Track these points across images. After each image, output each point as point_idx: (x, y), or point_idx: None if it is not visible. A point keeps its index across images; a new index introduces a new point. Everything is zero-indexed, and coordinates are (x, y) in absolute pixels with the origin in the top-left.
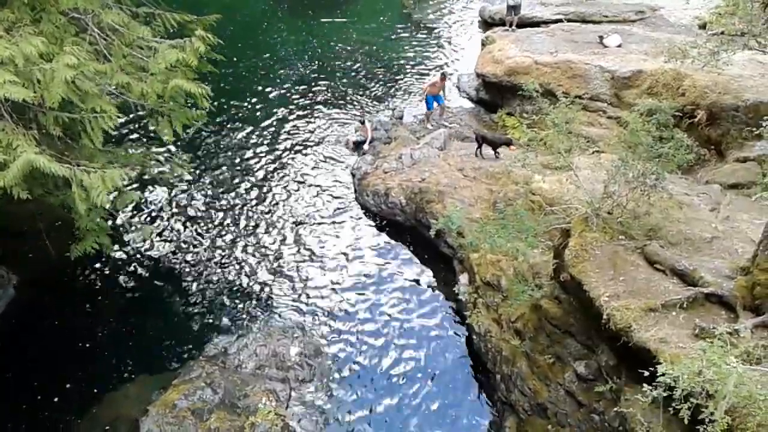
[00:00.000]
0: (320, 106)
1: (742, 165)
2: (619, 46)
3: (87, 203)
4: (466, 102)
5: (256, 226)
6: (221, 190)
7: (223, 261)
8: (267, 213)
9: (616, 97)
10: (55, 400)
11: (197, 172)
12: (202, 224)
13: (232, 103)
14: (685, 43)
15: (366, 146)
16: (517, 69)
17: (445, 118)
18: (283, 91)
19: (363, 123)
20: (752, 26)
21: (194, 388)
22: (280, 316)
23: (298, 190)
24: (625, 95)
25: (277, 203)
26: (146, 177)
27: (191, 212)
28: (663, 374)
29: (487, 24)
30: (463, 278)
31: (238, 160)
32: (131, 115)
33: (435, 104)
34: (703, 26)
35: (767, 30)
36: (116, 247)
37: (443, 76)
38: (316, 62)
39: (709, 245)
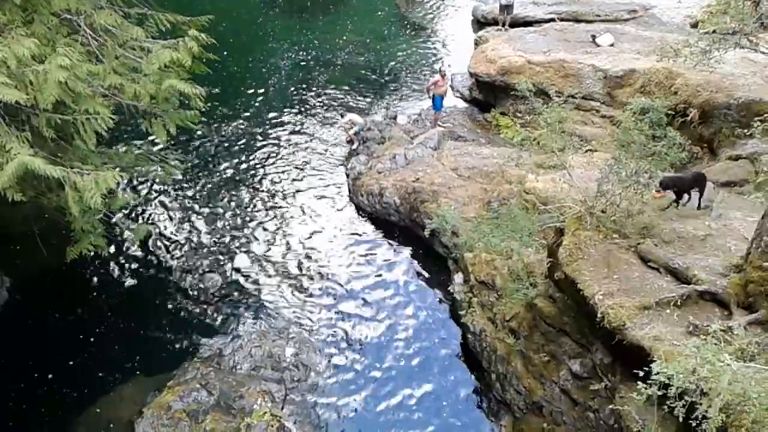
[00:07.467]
0: (313, 106)
1: (734, 163)
2: (612, 45)
3: (81, 205)
4: (460, 101)
5: (250, 227)
6: (215, 190)
7: (216, 262)
8: (260, 213)
9: (609, 96)
10: (49, 402)
11: (190, 172)
12: (195, 225)
13: (224, 102)
14: (677, 41)
15: (354, 145)
16: (510, 68)
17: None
18: (275, 91)
19: (342, 116)
20: (744, 25)
21: (189, 389)
22: (274, 317)
23: (291, 190)
24: (618, 94)
25: (270, 204)
26: (140, 178)
27: (185, 213)
28: (657, 372)
29: (480, 23)
30: (458, 277)
31: (230, 160)
32: (125, 116)
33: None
34: (695, 25)
35: (758, 28)
36: (110, 248)
37: (443, 73)
38: (309, 61)
39: (702, 243)
